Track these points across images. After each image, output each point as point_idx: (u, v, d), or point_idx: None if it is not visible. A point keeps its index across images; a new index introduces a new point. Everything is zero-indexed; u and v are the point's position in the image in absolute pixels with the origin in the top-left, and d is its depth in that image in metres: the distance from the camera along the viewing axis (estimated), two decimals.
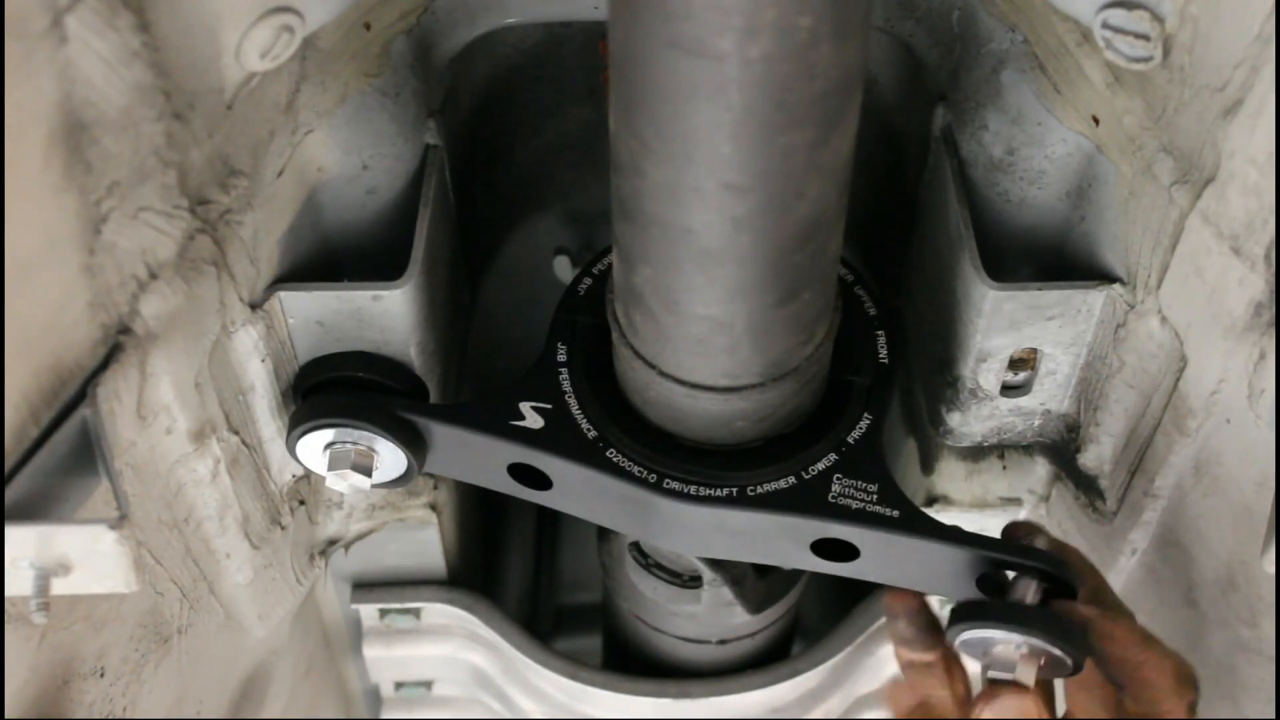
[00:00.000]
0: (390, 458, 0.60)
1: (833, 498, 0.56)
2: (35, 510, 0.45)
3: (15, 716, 0.48)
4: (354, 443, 0.59)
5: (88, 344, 0.47)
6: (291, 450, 0.60)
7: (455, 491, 0.78)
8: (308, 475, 0.68)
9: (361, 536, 0.76)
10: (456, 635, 0.84)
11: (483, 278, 0.82)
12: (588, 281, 0.62)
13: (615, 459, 0.57)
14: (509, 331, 0.86)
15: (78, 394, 0.47)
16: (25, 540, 0.44)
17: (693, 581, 0.68)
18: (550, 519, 1.10)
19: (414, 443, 0.59)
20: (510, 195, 0.82)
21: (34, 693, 0.50)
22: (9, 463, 0.44)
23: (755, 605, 0.68)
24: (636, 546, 0.69)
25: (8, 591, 0.44)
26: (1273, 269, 0.49)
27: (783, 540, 0.57)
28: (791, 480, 0.57)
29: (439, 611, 0.81)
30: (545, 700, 0.83)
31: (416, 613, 0.82)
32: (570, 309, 0.61)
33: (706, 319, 0.49)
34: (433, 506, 0.75)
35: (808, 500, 0.56)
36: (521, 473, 0.59)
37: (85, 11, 0.41)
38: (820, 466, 0.57)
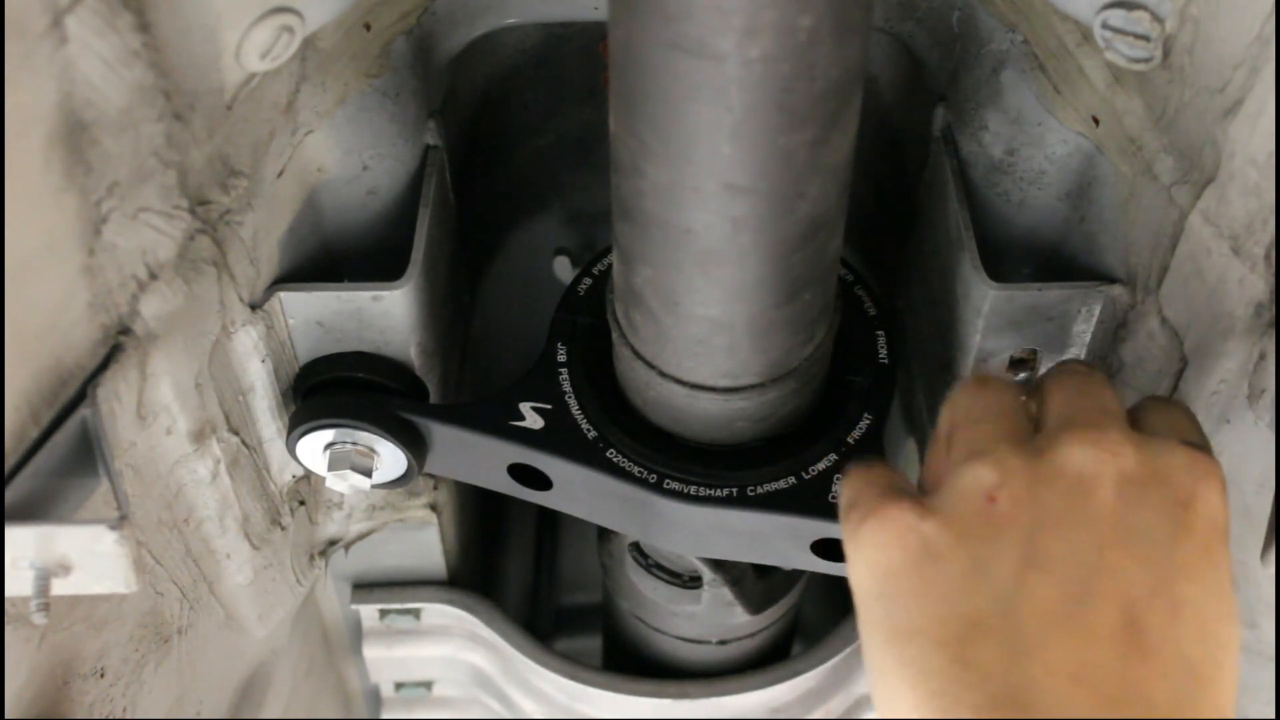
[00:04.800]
0: (390, 458, 0.60)
1: (833, 498, 0.56)
2: (35, 510, 0.45)
3: (15, 717, 0.48)
4: (354, 443, 0.59)
5: (88, 344, 0.47)
6: (291, 451, 0.61)
7: (455, 492, 0.78)
8: (308, 475, 0.68)
9: (361, 537, 0.76)
10: (456, 636, 0.84)
11: (483, 278, 0.82)
12: (588, 282, 0.62)
13: (615, 459, 0.57)
14: (509, 331, 0.86)
15: (78, 394, 0.47)
16: (25, 540, 0.44)
17: (693, 582, 0.68)
18: (550, 519, 1.10)
19: (414, 443, 0.59)
20: (510, 195, 0.82)
21: (34, 693, 0.50)
22: (9, 463, 0.44)
23: (755, 605, 0.68)
24: (636, 547, 0.69)
25: (8, 592, 0.44)
26: (1273, 269, 0.49)
27: (782, 540, 0.57)
28: (791, 480, 0.57)
29: (439, 612, 0.81)
30: (545, 701, 0.83)
31: (416, 613, 0.82)
32: (570, 309, 0.61)
33: (706, 319, 0.49)
34: (433, 507, 0.75)
35: (808, 500, 0.56)
36: (521, 473, 0.59)
37: (85, 12, 0.41)
38: (820, 467, 0.57)
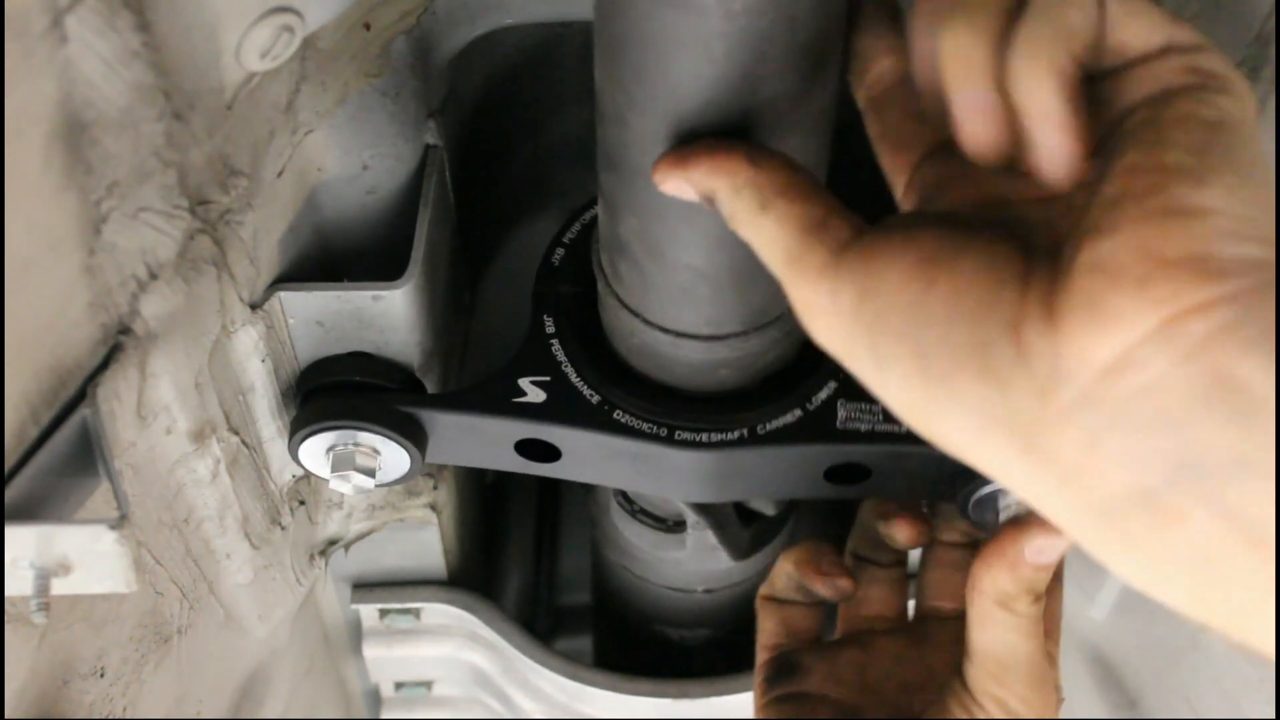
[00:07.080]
0: (393, 455, 0.60)
1: (840, 424, 0.57)
2: (35, 510, 0.45)
3: (15, 717, 0.48)
4: (356, 444, 0.59)
5: (88, 344, 0.47)
6: (294, 455, 0.60)
7: (455, 492, 0.78)
8: (308, 475, 0.68)
9: (361, 537, 0.76)
10: (456, 635, 0.84)
11: (483, 278, 0.82)
12: (561, 251, 0.62)
13: (623, 419, 0.57)
14: (509, 331, 0.86)
15: (78, 394, 0.47)
16: (25, 540, 0.44)
17: (677, 526, 0.69)
18: (550, 519, 1.10)
19: (416, 437, 0.60)
20: (510, 195, 0.82)
21: (34, 693, 0.50)
22: (9, 463, 0.44)
23: (740, 551, 0.69)
24: (623, 493, 0.69)
25: (8, 591, 0.44)
26: None
27: (797, 472, 0.58)
28: (798, 413, 0.57)
29: (439, 611, 0.81)
30: (545, 700, 0.83)
31: (416, 613, 0.82)
32: (549, 280, 0.61)
33: (690, 268, 0.50)
34: (433, 507, 0.75)
35: (817, 429, 0.57)
36: (529, 448, 0.60)
37: (85, 11, 0.41)
38: (823, 395, 0.58)
